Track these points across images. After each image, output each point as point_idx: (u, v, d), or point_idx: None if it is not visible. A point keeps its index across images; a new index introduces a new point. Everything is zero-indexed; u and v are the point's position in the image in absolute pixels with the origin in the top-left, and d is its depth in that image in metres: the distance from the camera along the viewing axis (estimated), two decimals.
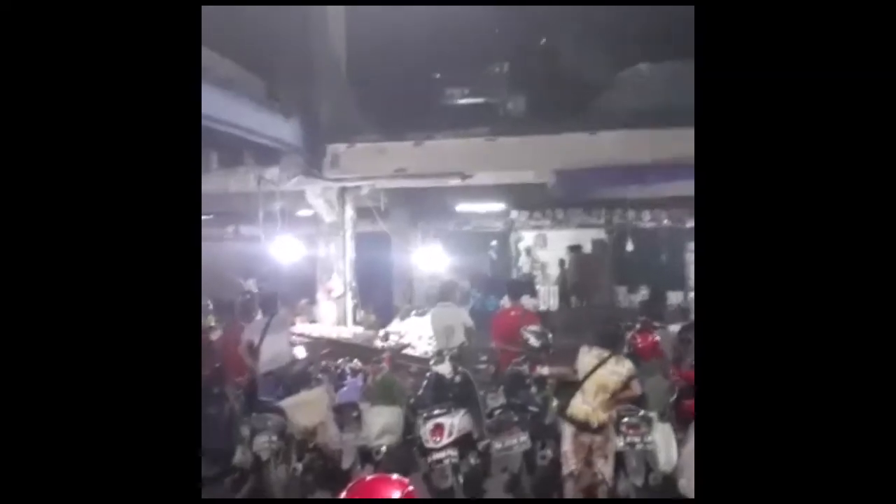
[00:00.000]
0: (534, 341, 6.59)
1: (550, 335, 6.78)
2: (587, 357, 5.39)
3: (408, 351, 9.47)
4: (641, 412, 5.38)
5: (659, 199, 12.20)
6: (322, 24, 10.41)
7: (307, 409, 6.22)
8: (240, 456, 5.85)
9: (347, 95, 10.48)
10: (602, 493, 5.20)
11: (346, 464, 6.05)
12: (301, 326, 10.28)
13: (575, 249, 13.74)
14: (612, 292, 13.14)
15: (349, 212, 11.18)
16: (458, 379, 6.43)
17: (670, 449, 5.41)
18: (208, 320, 8.80)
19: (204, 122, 6.21)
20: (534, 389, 6.49)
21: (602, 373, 5.28)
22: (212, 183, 9.27)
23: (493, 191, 12.47)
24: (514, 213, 14.22)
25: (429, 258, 12.50)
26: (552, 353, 6.50)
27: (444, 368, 6.56)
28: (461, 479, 5.50)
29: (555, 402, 5.76)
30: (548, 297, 14.01)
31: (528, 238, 14.83)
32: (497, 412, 5.85)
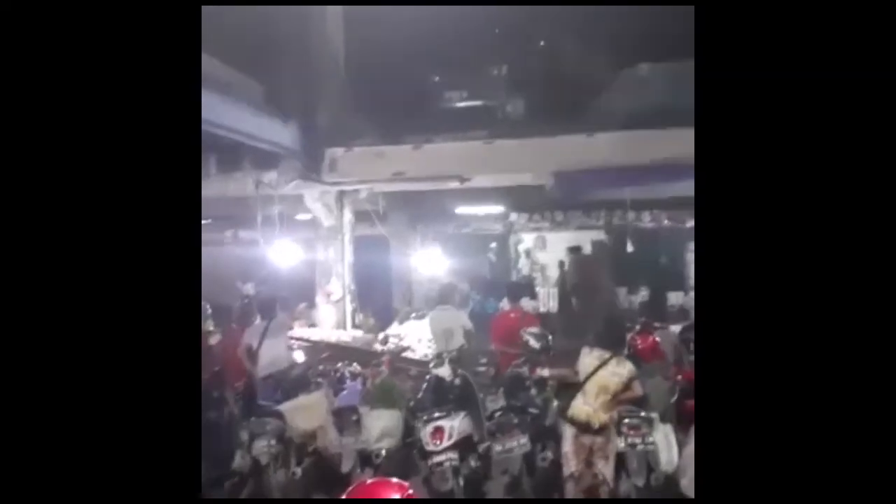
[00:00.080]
0: (534, 343, 6.59)
1: (550, 337, 6.78)
2: (588, 358, 5.39)
3: (407, 354, 9.46)
4: (642, 413, 5.38)
5: (659, 199, 12.19)
6: (320, 27, 10.41)
7: (306, 412, 6.21)
8: (239, 460, 5.85)
9: (346, 99, 10.47)
10: (603, 494, 5.19)
11: (345, 467, 6.03)
12: (300, 330, 10.26)
13: (574, 251, 13.70)
14: (613, 293, 13.11)
15: (348, 215, 11.16)
16: (457, 381, 6.43)
17: (671, 449, 5.40)
18: (207, 324, 8.79)
19: (202, 127, 6.20)
20: (534, 391, 6.49)
21: (603, 374, 5.27)
22: (210, 187, 9.23)
23: (491, 193, 12.46)
24: (513, 216, 14.22)
25: (428, 261, 12.48)
26: (552, 355, 6.50)
27: (444, 371, 6.56)
28: (461, 482, 5.49)
29: (555, 404, 5.75)
30: (547, 299, 13.99)
31: (527, 240, 14.82)
32: (497, 414, 5.84)
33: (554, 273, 14.32)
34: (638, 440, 5.26)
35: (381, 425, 6.05)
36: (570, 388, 5.43)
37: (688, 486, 5.10)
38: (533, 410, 6.13)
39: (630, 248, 10.81)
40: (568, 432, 5.33)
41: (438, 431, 5.53)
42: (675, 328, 8.08)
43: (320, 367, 7.61)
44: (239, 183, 9.53)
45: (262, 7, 9.06)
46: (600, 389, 5.24)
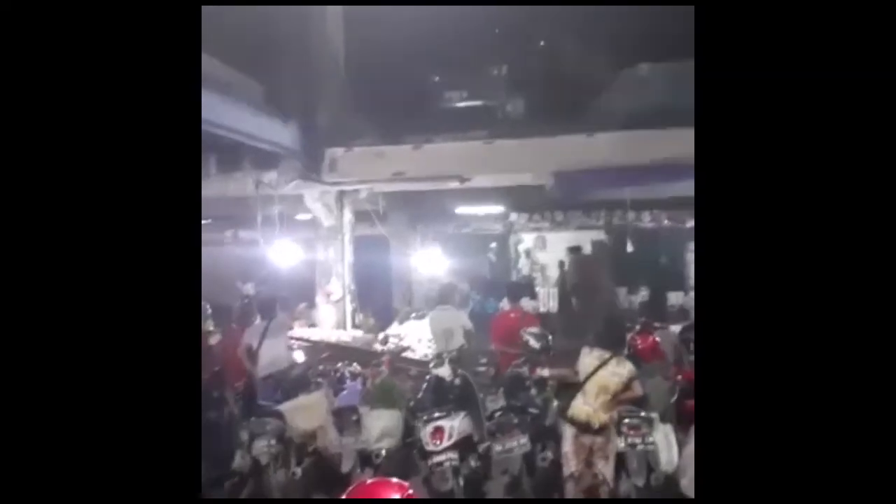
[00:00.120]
0: (534, 343, 6.59)
1: (550, 337, 6.78)
2: (588, 358, 5.39)
3: (407, 354, 9.46)
4: (642, 413, 5.38)
5: (659, 199, 12.19)
6: (320, 27, 10.40)
7: (306, 412, 6.21)
8: (239, 460, 5.85)
9: (346, 99, 10.46)
10: (603, 494, 5.19)
11: (345, 467, 6.03)
12: (300, 330, 10.26)
13: (574, 251, 13.70)
14: (613, 293, 13.11)
15: (348, 215, 11.16)
16: (457, 381, 6.43)
17: (671, 449, 5.40)
18: (207, 325, 8.79)
19: (202, 127, 6.20)
20: (534, 391, 6.49)
21: (603, 374, 5.27)
22: (210, 187, 9.23)
23: (491, 193, 12.46)
24: (513, 216, 14.21)
25: (428, 261, 12.48)
26: (552, 355, 6.50)
27: (444, 371, 6.56)
28: (461, 482, 5.49)
29: (555, 404, 5.75)
30: (547, 299, 13.99)
31: (527, 240, 14.82)
32: (497, 414, 5.84)
33: (554, 273, 14.32)
34: (638, 440, 5.26)
35: (381, 425, 6.05)
36: (570, 388, 5.43)
37: (688, 485, 5.10)
38: (533, 410, 6.13)
39: (630, 248, 10.80)
40: (568, 432, 5.33)
41: (438, 431, 5.53)
42: (675, 328, 8.08)
43: (320, 367, 7.61)
44: (239, 183, 9.53)
45: (262, 7, 9.06)
46: (600, 389, 5.24)
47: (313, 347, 9.44)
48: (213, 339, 8.20)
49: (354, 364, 7.64)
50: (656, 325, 8.36)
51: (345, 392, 7.03)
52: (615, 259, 13.03)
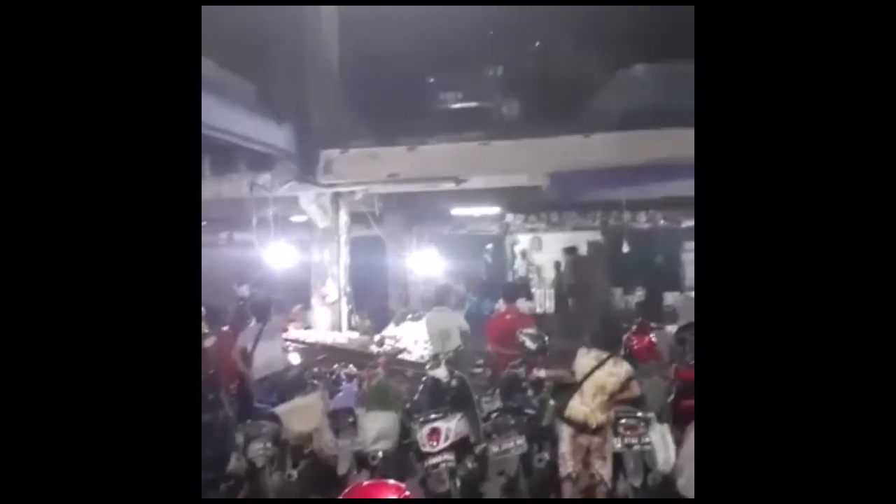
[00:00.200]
0: (530, 344, 6.58)
1: (546, 338, 6.77)
2: (585, 359, 5.39)
3: (403, 356, 9.43)
4: (639, 413, 5.38)
5: (654, 200, 12.20)
6: (315, 28, 10.39)
7: (302, 415, 6.19)
8: (234, 463, 5.83)
9: (340, 100, 10.45)
10: (600, 495, 5.19)
11: (341, 470, 6.01)
12: (296, 332, 10.23)
13: (570, 252, 13.71)
14: (609, 294, 13.12)
15: (343, 217, 11.14)
16: (454, 383, 6.42)
17: (668, 449, 5.40)
18: (202, 327, 8.76)
19: None
20: (530, 392, 6.48)
21: (600, 374, 5.27)
22: (205, 189, 9.13)
23: (487, 194, 12.45)
24: (508, 217, 14.21)
25: (424, 262, 12.46)
26: (548, 356, 6.49)
27: (440, 373, 6.54)
28: (458, 484, 5.48)
29: (552, 404, 5.74)
30: (543, 300, 14.01)
31: (523, 241, 14.83)
32: (493, 416, 5.84)
33: (550, 274, 14.33)
34: (634, 440, 5.26)
35: (377, 427, 6.03)
36: (566, 389, 5.43)
37: (684, 485, 5.10)
38: (529, 411, 6.13)
39: (626, 248, 10.81)
40: (565, 433, 5.32)
41: (435, 433, 5.51)
42: (672, 328, 8.08)
43: (316, 369, 7.58)
44: (234, 185, 9.50)
45: (256, 8, 9.04)
46: (597, 390, 5.24)
47: (309, 349, 9.43)
48: (208, 342, 8.17)
49: (350, 366, 7.62)
50: (652, 325, 8.36)
51: (341, 394, 7.01)
52: (611, 259, 13.06)
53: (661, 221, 13.15)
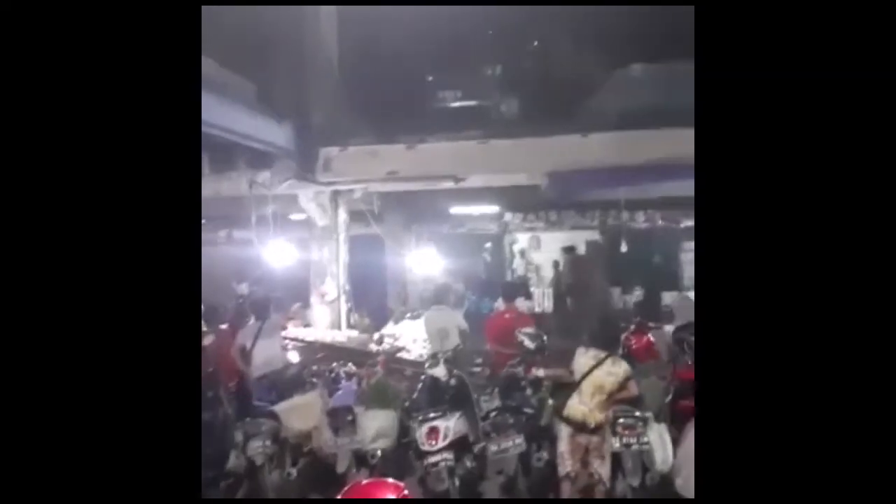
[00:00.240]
0: (528, 343, 6.58)
1: (545, 337, 6.78)
2: (583, 358, 5.40)
3: (402, 354, 9.43)
4: (637, 413, 5.39)
5: (653, 199, 12.20)
6: (314, 27, 10.38)
7: (301, 413, 6.19)
8: (234, 461, 5.83)
9: (340, 99, 10.44)
10: (599, 494, 5.19)
11: (340, 468, 6.01)
12: (295, 330, 10.23)
13: (569, 251, 13.73)
14: (607, 293, 13.14)
15: (342, 215, 11.14)
16: (452, 382, 6.42)
17: (666, 449, 5.40)
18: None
19: None
20: (529, 391, 6.48)
21: (599, 374, 5.28)
22: (204, 187, 9.12)
23: (486, 193, 12.45)
24: (507, 216, 14.21)
25: (423, 261, 12.46)
26: (547, 355, 6.49)
27: (439, 371, 6.55)
28: (457, 482, 5.48)
29: (550, 403, 5.75)
30: (542, 299, 14.01)
31: (522, 240, 14.83)
32: (492, 414, 5.83)
33: (549, 273, 14.34)
34: (633, 440, 5.26)
35: (376, 425, 6.03)
36: (565, 388, 5.44)
37: (683, 485, 5.11)
38: (528, 410, 6.13)
39: (624, 247, 10.82)
40: (564, 432, 5.33)
41: (434, 432, 5.51)
42: (670, 328, 8.09)
43: (315, 368, 7.58)
44: (233, 183, 9.50)
45: (257, 7, 9.03)
46: (596, 389, 5.25)
47: (308, 347, 9.42)
48: (207, 340, 8.17)
49: (349, 364, 7.62)
50: (651, 324, 8.38)
51: (340, 392, 7.01)
52: (609, 259, 13.07)
53: (660, 221, 13.16)
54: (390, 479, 3.14)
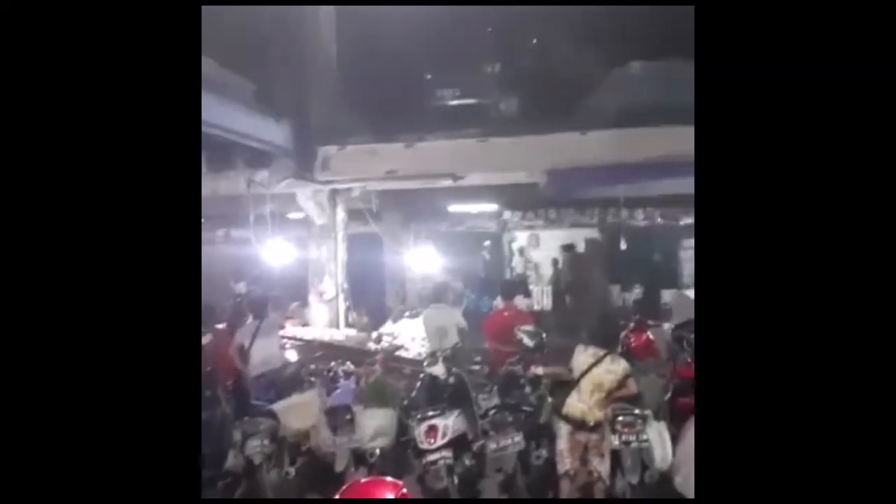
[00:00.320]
0: (527, 341, 6.58)
1: (544, 335, 6.77)
2: (582, 356, 5.40)
3: (401, 353, 9.44)
4: (636, 410, 5.38)
5: (652, 197, 12.20)
6: (313, 26, 10.37)
7: (299, 412, 6.19)
8: (232, 460, 5.82)
9: (338, 97, 10.44)
10: (598, 492, 5.19)
11: (339, 467, 6.00)
12: (293, 329, 10.23)
13: (568, 249, 13.74)
14: (606, 291, 13.14)
15: (340, 214, 11.14)
16: (451, 380, 6.42)
17: (665, 447, 5.40)
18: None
19: None
20: (528, 389, 6.48)
21: (598, 371, 5.28)
22: (202, 186, 9.18)
23: (485, 191, 12.45)
24: (506, 214, 14.21)
25: (421, 259, 12.46)
26: (546, 353, 6.49)
27: (438, 370, 6.54)
28: (456, 481, 5.47)
29: (549, 401, 5.74)
30: (541, 297, 14.02)
31: (521, 238, 14.84)
32: (491, 413, 5.82)
33: (548, 271, 14.35)
34: (632, 438, 5.25)
35: (374, 424, 6.03)
36: (564, 386, 5.44)
37: (682, 483, 5.11)
38: (527, 408, 6.12)
39: (623, 245, 10.83)
40: (563, 430, 5.33)
41: (432, 430, 5.51)
42: (669, 326, 8.09)
43: (313, 366, 7.57)
44: (231, 182, 9.49)
45: (256, 7, 9.02)
46: (595, 387, 5.25)
47: (306, 346, 9.41)
48: (205, 339, 8.16)
49: (348, 363, 7.61)
50: (650, 322, 8.37)
51: (338, 391, 7.00)
52: (609, 257, 13.07)
53: (659, 219, 13.16)
54: (389, 478, 3.14)
